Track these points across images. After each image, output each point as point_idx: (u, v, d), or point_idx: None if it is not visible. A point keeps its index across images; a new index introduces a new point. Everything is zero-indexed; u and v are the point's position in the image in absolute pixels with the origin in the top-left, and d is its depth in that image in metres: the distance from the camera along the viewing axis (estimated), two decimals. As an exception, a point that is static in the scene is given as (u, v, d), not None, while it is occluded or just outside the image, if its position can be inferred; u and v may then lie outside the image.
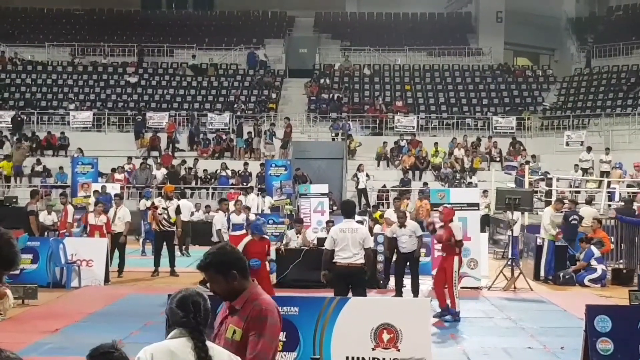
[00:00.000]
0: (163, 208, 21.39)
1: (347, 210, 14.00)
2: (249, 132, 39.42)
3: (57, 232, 23.00)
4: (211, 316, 4.78)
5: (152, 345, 4.61)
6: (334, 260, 13.13)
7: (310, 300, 10.90)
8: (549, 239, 20.79)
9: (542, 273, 20.86)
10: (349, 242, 13.00)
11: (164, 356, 4.53)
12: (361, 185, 34.90)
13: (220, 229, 19.74)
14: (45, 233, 24.21)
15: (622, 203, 26.71)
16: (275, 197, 32.99)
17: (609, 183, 31.63)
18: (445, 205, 17.55)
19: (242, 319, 5.13)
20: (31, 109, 42.20)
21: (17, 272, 18.64)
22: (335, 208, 31.87)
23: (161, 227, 21.19)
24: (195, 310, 4.58)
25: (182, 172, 36.52)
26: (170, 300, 4.70)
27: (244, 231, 20.96)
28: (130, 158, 36.85)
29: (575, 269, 20.51)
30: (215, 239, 19.69)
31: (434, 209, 19.85)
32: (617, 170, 34.39)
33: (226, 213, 20.40)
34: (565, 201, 22.79)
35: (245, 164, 36.84)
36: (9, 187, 36.29)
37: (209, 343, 4.60)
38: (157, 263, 21.20)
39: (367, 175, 35.38)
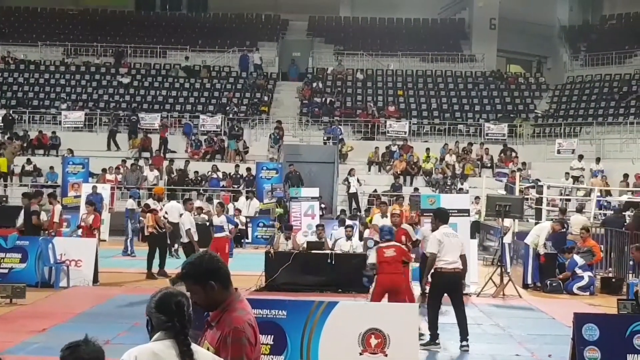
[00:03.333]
0: (166, 212, 21.45)
1: (444, 216, 13.83)
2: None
3: (47, 232, 22.96)
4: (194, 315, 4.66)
5: (137, 348, 4.55)
6: (439, 267, 13.01)
7: (299, 304, 10.91)
8: (532, 247, 20.83)
9: (529, 279, 20.86)
10: (455, 247, 13.01)
11: (147, 359, 4.48)
12: (352, 190, 34.89)
13: (189, 229, 19.54)
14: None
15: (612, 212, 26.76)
16: (265, 200, 33.00)
17: (601, 192, 31.67)
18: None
19: (216, 336, 4.97)
20: (23, 108, 42.12)
21: (6, 271, 18.71)
22: (325, 212, 31.89)
23: (159, 229, 21.22)
24: (178, 312, 4.51)
25: (173, 174, 36.50)
26: (150, 301, 4.60)
27: (226, 233, 20.98)
28: (124, 161, 36.73)
29: (560, 279, 20.51)
30: (184, 239, 19.42)
31: (424, 214, 19.85)
32: (597, 179, 34.33)
33: (192, 213, 20.24)
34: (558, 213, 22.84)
35: (237, 166, 36.84)
36: (6, 185, 36.16)
37: (194, 346, 4.55)
38: (150, 266, 21.16)
39: (358, 180, 35.37)
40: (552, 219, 24.60)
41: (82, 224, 21.67)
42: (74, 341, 4.41)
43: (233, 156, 38.71)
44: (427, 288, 13.49)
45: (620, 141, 38.61)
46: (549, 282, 20.45)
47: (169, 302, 4.54)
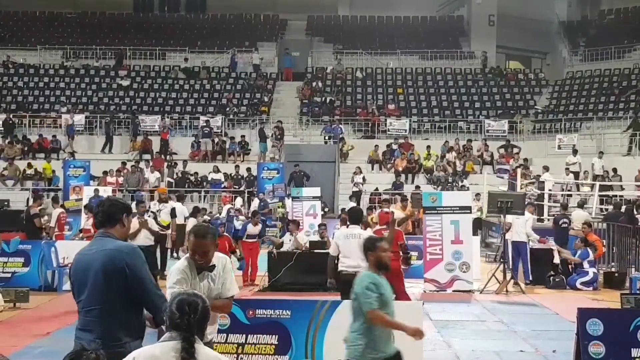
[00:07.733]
0: (152, 212, 21.33)
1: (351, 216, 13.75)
2: (242, 136, 39.40)
3: (49, 235, 22.97)
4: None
5: (139, 349, 4.60)
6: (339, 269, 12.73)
7: (303, 304, 10.88)
8: (529, 242, 20.89)
9: (530, 276, 20.83)
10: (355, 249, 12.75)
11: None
12: (354, 188, 34.90)
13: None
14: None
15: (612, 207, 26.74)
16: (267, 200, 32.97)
17: (601, 187, 31.62)
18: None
19: None
20: (23, 112, 42.10)
21: (9, 275, 18.71)
22: (327, 210, 31.86)
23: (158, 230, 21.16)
24: (191, 311, 4.54)
25: (175, 176, 36.46)
26: (170, 302, 4.67)
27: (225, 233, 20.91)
28: (125, 163, 36.68)
29: (568, 258, 20.48)
30: None
31: (426, 212, 19.87)
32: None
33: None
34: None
35: (237, 166, 36.78)
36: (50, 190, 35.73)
37: (199, 346, 4.54)
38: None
39: (363, 179, 35.48)
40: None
41: (85, 228, 21.73)
42: (75, 350, 4.42)
43: (262, 157, 38.48)
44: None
45: (621, 136, 38.56)
46: (551, 277, 20.46)
47: (184, 302, 4.59)
